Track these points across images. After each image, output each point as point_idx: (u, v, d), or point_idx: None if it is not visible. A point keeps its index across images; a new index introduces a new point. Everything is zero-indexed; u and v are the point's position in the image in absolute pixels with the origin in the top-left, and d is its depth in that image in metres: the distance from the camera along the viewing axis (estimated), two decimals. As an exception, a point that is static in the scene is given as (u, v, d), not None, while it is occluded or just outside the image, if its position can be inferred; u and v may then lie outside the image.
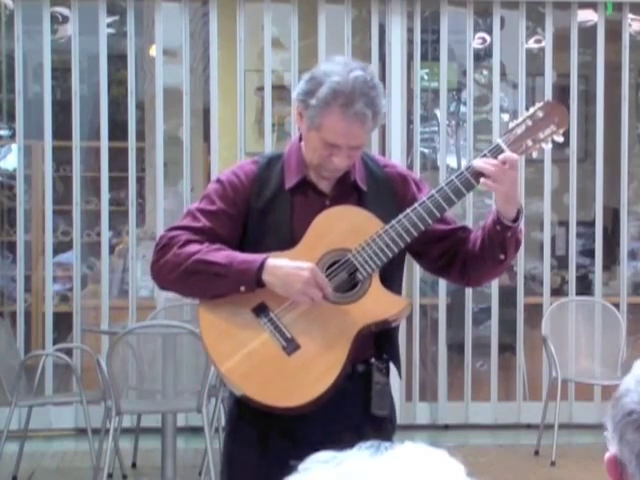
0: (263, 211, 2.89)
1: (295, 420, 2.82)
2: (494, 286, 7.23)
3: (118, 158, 7.22)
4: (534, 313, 7.20)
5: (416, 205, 2.84)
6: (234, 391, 2.90)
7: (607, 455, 1.40)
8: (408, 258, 3.08)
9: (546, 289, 7.32)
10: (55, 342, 6.96)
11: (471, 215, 7.09)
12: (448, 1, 7.21)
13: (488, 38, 7.58)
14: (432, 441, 5.56)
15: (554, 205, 7.43)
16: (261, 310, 2.85)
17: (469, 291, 7.22)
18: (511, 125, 2.90)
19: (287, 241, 2.86)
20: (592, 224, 7.41)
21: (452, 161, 8.02)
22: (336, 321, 2.83)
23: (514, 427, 7.19)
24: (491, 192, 2.94)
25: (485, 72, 7.95)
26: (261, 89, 7.41)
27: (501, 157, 2.81)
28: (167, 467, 5.68)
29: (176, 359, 5.80)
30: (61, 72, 7.72)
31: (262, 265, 2.78)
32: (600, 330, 7.08)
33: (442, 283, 7.22)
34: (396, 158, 6.83)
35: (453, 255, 2.95)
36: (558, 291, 7.50)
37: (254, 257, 2.81)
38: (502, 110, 7.64)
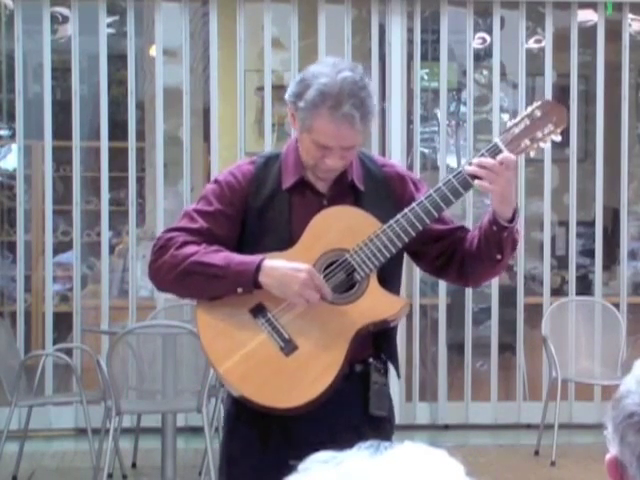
0: (261, 211, 2.89)
1: (293, 420, 2.82)
2: (494, 286, 7.23)
3: (118, 158, 7.22)
4: (534, 313, 7.20)
5: (414, 205, 2.84)
6: (232, 392, 2.90)
7: (608, 456, 1.40)
8: (407, 258, 3.08)
9: (546, 289, 7.32)
10: (55, 342, 6.96)
11: (471, 215, 7.09)
12: (448, 1, 7.21)
13: (488, 38, 7.58)
14: (432, 441, 5.58)
15: (554, 205, 7.43)
16: (259, 311, 2.84)
17: (469, 291, 7.22)
18: (509, 124, 2.89)
19: (285, 241, 2.86)
20: (592, 224, 7.41)
21: (452, 161, 8.02)
22: (334, 322, 2.82)
23: (514, 427, 7.19)
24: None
25: (485, 72, 7.95)
26: (261, 89, 7.41)
27: (499, 158, 2.81)
28: (167, 467, 5.68)
29: (176, 359, 5.80)
30: (61, 72, 7.72)
31: (259, 266, 2.78)
32: (600, 330, 7.08)
33: (442, 283, 7.21)
34: (396, 158, 6.83)
35: (451, 255, 2.94)
36: (558, 291, 7.50)
37: (251, 258, 2.81)
38: (502, 110, 7.63)
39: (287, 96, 2.87)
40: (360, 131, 2.80)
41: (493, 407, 7.26)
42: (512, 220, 2.83)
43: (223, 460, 3.02)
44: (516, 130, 2.86)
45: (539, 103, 2.89)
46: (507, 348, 7.41)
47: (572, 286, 7.30)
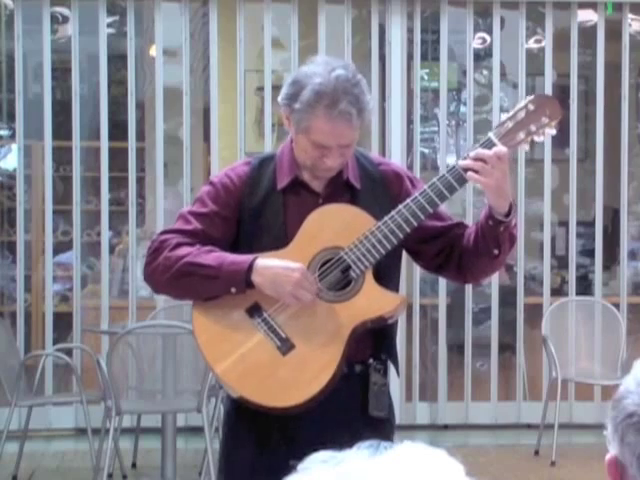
0: (256, 212, 2.89)
1: (293, 421, 2.82)
2: (494, 286, 7.24)
3: (118, 158, 7.22)
4: (534, 313, 7.20)
5: (408, 201, 2.83)
6: (230, 393, 2.90)
7: (607, 457, 1.40)
8: (408, 257, 3.08)
9: (546, 289, 7.32)
10: (55, 342, 6.96)
11: (471, 215, 7.08)
12: (448, 1, 7.21)
13: (488, 38, 7.58)
14: (432, 441, 5.57)
15: (554, 205, 7.43)
16: (255, 310, 2.84)
17: (469, 291, 7.23)
18: (503, 118, 2.89)
19: (281, 241, 2.85)
20: (592, 224, 7.41)
21: (452, 161, 8.00)
22: (331, 320, 2.82)
23: (514, 427, 7.19)
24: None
25: (485, 72, 7.95)
26: (261, 89, 7.41)
27: (492, 150, 2.80)
28: (167, 467, 5.68)
29: (176, 359, 5.80)
30: (61, 72, 7.72)
31: (251, 266, 2.78)
32: (600, 330, 7.08)
33: (442, 283, 7.22)
34: (396, 158, 6.83)
35: (449, 252, 2.94)
36: (558, 291, 7.51)
37: (243, 258, 2.81)
38: (502, 110, 7.61)
39: (280, 98, 2.86)
40: (357, 128, 2.80)
41: (493, 407, 7.26)
42: (508, 214, 2.82)
43: (223, 461, 3.02)
44: (510, 124, 2.86)
45: (532, 97, 2.89)
46: (507, 348, 7.41)
47: (572, 286, 7.30)
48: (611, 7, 7.39)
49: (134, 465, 6.26)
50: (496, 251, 2.85)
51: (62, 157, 7.59)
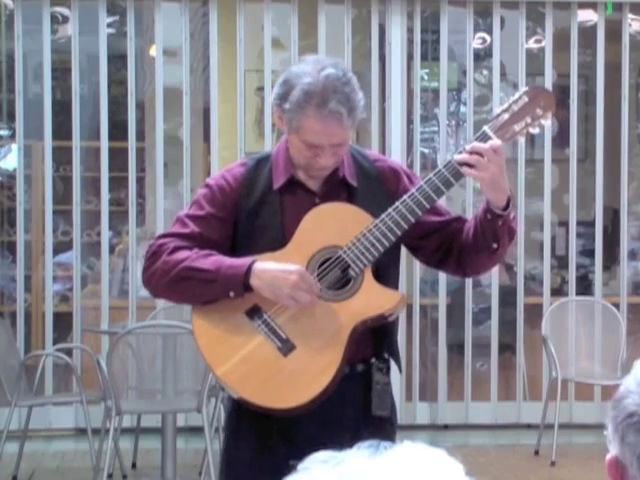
0: (253, 212, 2.89)
1: (295, 421, 2.81)
2: (494, 286, 7.24)
3: (118, 158, 7.22)
4: (534, 313, 7.20)
5: (405, 197, 2.82)
6: (232, 394, 2.89)
7: (608, 457, 1.40)
8: (408, 257, 3.07)
9: (546, 289, 7.32)
10: (55, 342, 6.96)
11: (471, 215, 7.07)
12: (448, 1, 7.21)
13: (488, 38, 7.58)
14: (432, 441, 5.56)
15: (554, 205, 7.43)
16: (255, 312, 2.83)
17: (469, 291, 7.23)
18: (497, 111, 2.89)
19: (278, 241, 2.85)
20: (592, 224, 7.41)
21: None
22: (331, 319, 2.82)
23: (514, 427, 7.19)
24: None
25: (485, 72, 7.95)
26: (261, 89, 7.42)
27: (487, 144, 2.80)
28: (167, 467, 5.68)
29: (176, 359, 5.80)
30: (61, 72, 7.72)
31: (249, 269, 2.77)
32: (600, 330, 7.08)
33: (442, 283, 7.22)
34: (396, 158, 6.82)
35: (449, 247, 2.93)
36: (558, 291, 7.51)
37: (241, 261, 2.80)
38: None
39: (272, 99, 2.86)
40: (348, 127, 2.79)
41: (493, 407, 7.26)
42: (506, 208, 2.82)
43: (224, 462, 3.01)
44: (505, 116, 2.86)
45: (526, 89, 2.89)
46: (507, 348, 7.41)
47: (572, 286, 7.30)
48: (611, 7, 7.39)
49: (134, 465, 6.26)
50: (495, 245, 2.85)
51: (62, 157, 7.59)
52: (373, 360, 2.89)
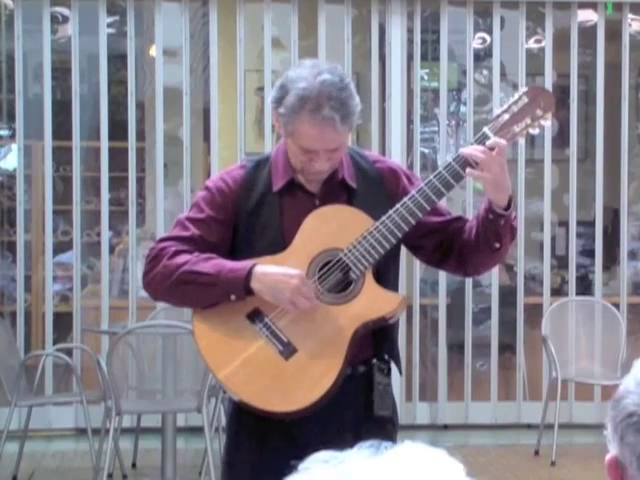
0: (252, 214, 2.89)
1: (296, 422, 2.81)
2: (494, 286, 7.24)
3: (118, 158, 7.22)
4: (534, 313, 7.20)
5: (405, 200, 2.82)
6: (232, 396, 2.90)
7: (607, 457, 1.40)
8: (408, 257, 3.07)
9: (546, 289, 7.32)
10: (55, 342, 6.96)
11: (471, 215, 7.07)
12: (448, 1, 7.21)
13: (488, 38, 7.58)
14: (432, 441, 5.57)
15: (554, 205, 7.44)
16: (256, 315, 2.83)
17: (469, 291, 7.23)
18: (497, 112, 2.89)
19: (278, 243, 2.85)
20: (592, 224, 7.41)
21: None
22: (332, 322, 2.81)
23: (514, 427, 7.19)
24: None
25: (485, 72, 7.95)
26: (261, 89, 7.42)
27: (488, 143, 2.80)
28: (167, 467, 5.68)
29: (176, 359, 5.80)
30: (61, 72, 7.72)
31: (250, 272, 2.77)
32: (600, 330, 7.08)
33: (442, 283, 7.22)
34: (396, 158, 6.83)
35: (449, 246, 2.93)
36: (558, 291, 7.51)
37: (242, 265, 2.80)
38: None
39: (269, 102, 2.86)
40: (343, 132, 2.78)
41: (493, 407, 7.26)
42: (508, 208, 2.82)
43: (225, 463, 3.01)
44: (505, 117, 2.86)
45: (525, 89, 2.89)
46: (507, 348, 7.41)
47: (572, 286, 7.30)
48: (611, 7, 7.39)
49: (134, 465, 6.26)
50: (497, 244, 2.85)
51: (62, 157, 7.59)
52: (374, 361, 2.89)
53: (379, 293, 2.84)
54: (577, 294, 7.29)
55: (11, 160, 7.96)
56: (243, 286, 2.77)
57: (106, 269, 7.10)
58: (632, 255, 7.70)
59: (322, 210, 2.87)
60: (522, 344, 7.21)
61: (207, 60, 7.27)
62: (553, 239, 7.57)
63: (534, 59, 7.67)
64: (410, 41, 7.24)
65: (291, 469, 1.09)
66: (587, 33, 7.48)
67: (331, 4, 7.18)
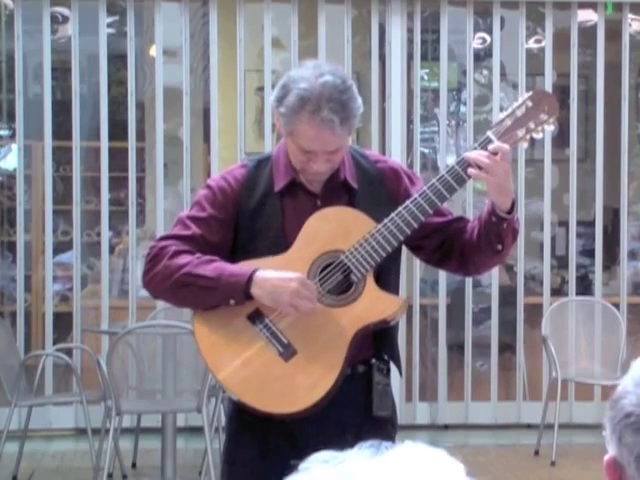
0: (254, 214, 2.88)
1: (296, 422, 2.81)
2: (494, 286, 7.24)
3: (118, 158, 7.22)
4: (534, 313, 7.20)
5: (408, 202, 2.82)
6: (232, 396, 2.90)
7: (606, 457, 1.40)
8: (408, 257, 3.07)
9: (546, 289, 7.32)
10: (55, 342, 6.96)
11: (471, 215, 7.08)
12: (448, 1, 7.21)
13: (488, 38, 7.58)
14: (432, 441, 5.57)
15: (554, 205, 7.44)
16: (256, 316, 2.83)
17: (469, 291, 7.23)
18: (500, 116, 2.89)
19: (279, 243, 2.85)
20: (592, 224, 7.41)
21: (452, 161, 8.01)
22: (332, 324, 2.81)
23: (514, 427, 7.19)
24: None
25: (485, 72, 7.95)
26: (261, 89, 7.42)
27: (491, 147, 2.80)
28: (167, 467, 5.68)
29: (176, 359, 5.80)
30: (61, 72, 7.73)
31: (250, 278, 2.77)
32: (600, 330, 7.08)
33: (442, 283, 7.22)
34: (396, 158, 6.82)
35: (450, 246, 2.94)
36: (558, 291, 7.51)
37: (243, 270, 2.79)
38: (502, 110, 7.60)
39: (271, 100, 2.86)
40: (342, 135, 2.78)
41: (493, 407, 7.26)
42: (511, 211, 2.82)
43: (225, 463, 3.01)
44: (508, 122, 2.86)
45: (530, 93, 2.89)
46: (507, 348, 7.41)
47: (572, 286, 7.30)
48: (611, 7, 7.39)
49: (134, 465, 6.26)
50: (499, 246, 2.86)
51: (62, 157, 7.59)
52: (374, 361, 2.90)
53: (380, 296, 2.84)
54: (577, 294, 7.29)
55: (11, 160, 7.96)
56: (243, 291, 2.77)
57: (106, 269, 7.10)
58: (632, 255, 7.70)
59: (324, 211, 2.86)
60: (522, 344, 7.21)
61: (207, 60, 7.27)
62: (553, 239, 7.57)
63: (534, 59, 7.67)
64: (410, 41, 7.24)
65: (291, 469, 1.09)
66: (587, 33, 7.48)
67: (331, 4, 7.18)
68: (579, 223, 7.41)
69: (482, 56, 7.81)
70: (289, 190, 2.90)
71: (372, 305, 2.82)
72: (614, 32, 7.30)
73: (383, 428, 2.87)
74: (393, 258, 2.91)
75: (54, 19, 7.39)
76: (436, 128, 7.74)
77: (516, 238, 2.92)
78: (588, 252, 7.56)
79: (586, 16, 7.57)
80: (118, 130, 7.19)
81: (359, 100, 2.80)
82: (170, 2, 7.18)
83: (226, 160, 6.78)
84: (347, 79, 2.80)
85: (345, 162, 2.91)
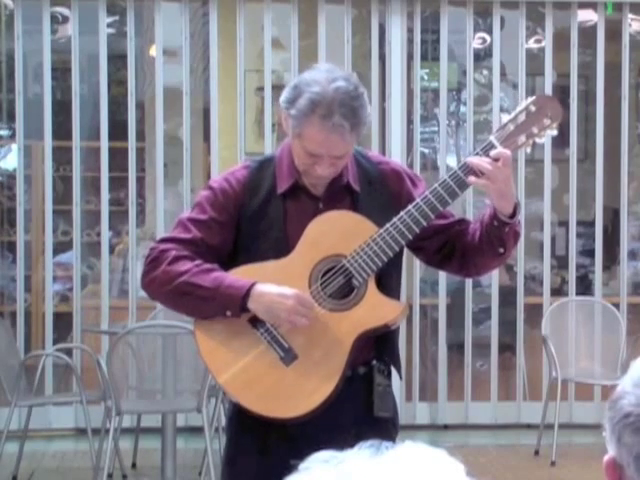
0: (255, 216, 2.88)
1: (296, 424, 2.81)
2: (494, 286, 7.24)
3: (118, 158, 7.22)
4: (534, 313, 7.20)
5: (410, 207, 2.82)
6: (232, 398, 2.90)
7: (605, 458, 1.40)
8: (408, 257, 3.07)
9: (546, 289, 7.32)
10: (55, 342, 6.96)
11: (471, 215, 7.08)
12: (448, 1, 7.21)
13: (488, 38, 7.58)
14: (432, 441, 5.57)
15: (554, 205, 7.44)
16: (258, 320, 2.83)
17: (469, 291, 7.23)
18: (504, 121, 2.89)
19: (281, 245, 2.84)
20: (592, 224, 7.41)
21: (452, 161, 8.01)
22: (334, 329, 2.81)
23: (514, 427, 7.19)
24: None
25: (485, 72, 7.95)
26: (261, 89, 7.42)
27: (493, 154, 2.80)
28: (167, 467, 5.68)
29: (176, 359, 5.80)
30: (61, 72, 7.73)
31: (248, 292, 2.77)
32: (600, 330, 7.08)
33: (442, 283, 7.22)
34: (396, 158, 6.82)
35: (451, 248, 2.94)
36: (558, 291, 7.51)
37: (241, 283, 2.79)
38: (502, 110, 7.62)
39: (280, 101, 2.85)
40: (350, 141, 2.77)
41: (493, 407, 7.26)
42: (513, 215, 2.82)
43: (225, 463, 3.01)
44: (511, 127, 2.85)
45: (533, 98, 2.89)
46: (507, 348, 7.41)
47: (572, 286, 7.30)
48: (611, 7, 7.39)
49: (134, 465, 6.26)
50: (501, 250, 2.86)
51: (62, 157, 7.59)
52: (374, 362, 2.89)
53: (381, 301, 2.84)
54: (577, 294, 7.29)
55: (11, 160, 7.96)
56: (240, 305, 2.77)
57: (106, 269, 7.10)
58: (632, 255, 7.69)
59: (326, 215, 2.86)
60: (522, 344, 7.21)
61: (207, 60, 7.27)
62: (553, 239, 7.57)
63: (534, 59, 7.67)
64: (410, 41, 7.24)
65: (291, 469, 1.09)
66: (587, 33, 7.48)
67: (331, 4, 7.18)
68: (579, 223, 7.40)
69: (482, 56, 7.81)
70: (292, 192, 2.89)
71: (373, 310, 2.82)
72: (614, 32, 7.30)
73: (384, 429, 2.87)
74: (395, 263, 2.90)
75: (54, 19, 7.39)
76: (436, 128, 7.74)
77: (518, 241, 2.92)
78: (588, 252, 7.56)
79: (586, 16, 7.57)
80: (118, 130, 7.19)
81: (369, 108, 2.80)
82: (170, 2, 7.18)
83: (226, 160, 6.78)
84: (359, 86, 2.80)
85: (348, 165, 2.91)
